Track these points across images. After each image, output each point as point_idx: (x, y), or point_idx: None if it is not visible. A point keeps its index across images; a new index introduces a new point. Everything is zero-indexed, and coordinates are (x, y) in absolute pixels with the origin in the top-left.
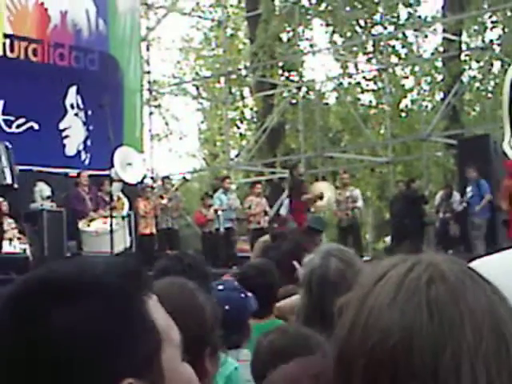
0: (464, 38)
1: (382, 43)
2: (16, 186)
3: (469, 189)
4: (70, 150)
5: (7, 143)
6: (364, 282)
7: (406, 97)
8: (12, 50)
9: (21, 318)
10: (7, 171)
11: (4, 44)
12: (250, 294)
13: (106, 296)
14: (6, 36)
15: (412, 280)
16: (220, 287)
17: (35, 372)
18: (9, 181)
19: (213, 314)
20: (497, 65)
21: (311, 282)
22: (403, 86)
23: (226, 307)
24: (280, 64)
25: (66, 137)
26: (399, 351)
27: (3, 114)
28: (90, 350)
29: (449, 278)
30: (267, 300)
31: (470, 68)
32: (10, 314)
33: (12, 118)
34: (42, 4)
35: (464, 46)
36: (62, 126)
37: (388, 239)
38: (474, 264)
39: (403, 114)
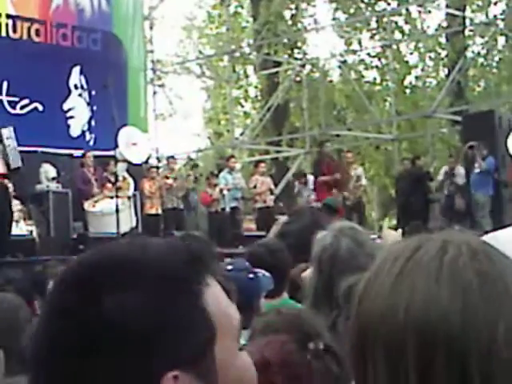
0: (468, 13)
1: (385, 19)
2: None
3: (476, 165)
4: (75, 131)
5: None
6: (393, 258)
7: (410, 73)
8: (15, 31)
9: (75, 301)
10: (17, 154)
11: (7, 25)
12: (262, 274)
13: (162, 283)
14: (8, 16)
15: (452, 259)
16: (229, 267)
17: (87, 353)
18: (18, 164)
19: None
20: (501, 40)
21: (321, 260)
22: (407, 62)
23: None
24: (284, 41)
25: (71, 117)
26: (456, 329)
27: (7, 95)
28: (137, 337)
29: (487, 254)
30: (277, 279)
31: (474, 43)
32: (67, 295)
33: (16, 99)
34: None
35: (468, 22)
36: (65, 106)
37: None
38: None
39: (408, 91)
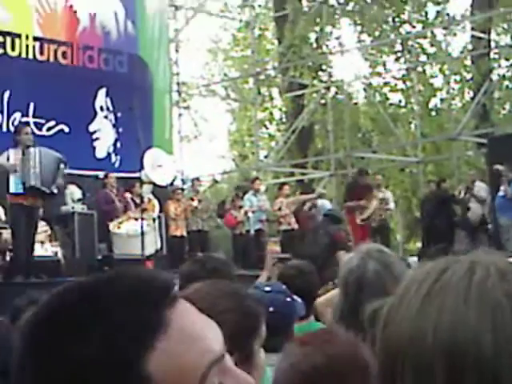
0: (493, 35)
1: (410, 42)
2: (47, 191)
3: (502, 188)
4: (100, 153)
5: (52, 150)
6: (421, 279)
7: (435, 96)
8: (42, 53)
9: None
10: (36, 173)
11: (34, 47)
12: (297, 299)
13: (115, 325)
14: (35, 39)
15: (481, 280)
16: (267, 288)
17: None
18: (33, 183)
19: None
20: None
21: (348, 283)
22: (432, 84)
23: (271, 309)
24: (308, 64)
25: (96, 139)
26: (486, 350)
27: (34, 116)
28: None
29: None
30: (306, 301)
31: (499, 66)
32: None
33: (42, 121)
34: (71, 7)
35: (493, 44)
36: (91, 128)
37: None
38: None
39: (433, 113)
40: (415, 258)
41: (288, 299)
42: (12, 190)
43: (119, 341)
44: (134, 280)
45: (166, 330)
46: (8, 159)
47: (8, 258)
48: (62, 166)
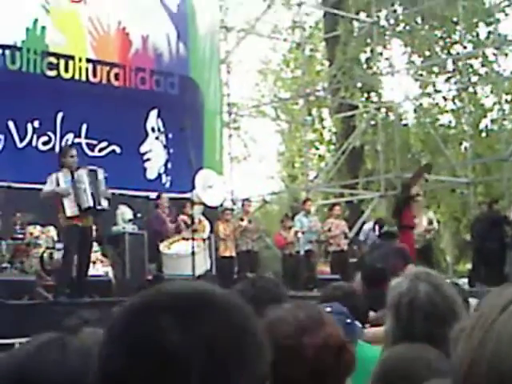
0: None
1: (461, 62)
2: (99, 207)
3: None
4: (151, 173)
5: (98, 168)
6: (487, 310)
7: (485, 116)
8: (95, 75)
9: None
10: (88, 194)
11: (87, 69)
12: (356, 322)
13: (230, 314)
14: (88, 61)
15: None
16: (328, 309)
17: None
18: (89, 204)
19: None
20: None
21: (400, 305)
22: (483, 105)
23: None
24: (359, 85)
25: (147, 160)
26: None
27: (86, 137)
28: (215, 366)
29: None
30: None
31: None
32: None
33: (95, 142)
34: (124, 29)
35: None
36: (143, 149)
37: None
38: None
39: (483, 134)
40: (465, 280)
41: (349, 320)
42: (68, 214)
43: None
44: None
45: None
46: (58, 183)
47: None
48: (100, 176)
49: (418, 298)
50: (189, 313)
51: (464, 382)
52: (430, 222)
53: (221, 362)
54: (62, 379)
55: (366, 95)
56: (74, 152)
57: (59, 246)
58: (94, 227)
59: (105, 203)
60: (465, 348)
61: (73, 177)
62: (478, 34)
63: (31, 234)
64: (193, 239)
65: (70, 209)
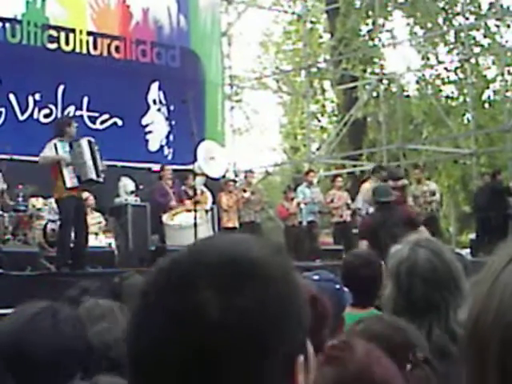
0: None
1: (463, 34)
2: (101, 180)
3: None
4: (153, 146)
5: (91, 138)
6: (496, 262)
7: (488, 87)
8: (95, 48)
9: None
10: (90, 166)
11: (87, 42)
12: (345, 289)
13: (273, 277)
14: (89, 34)
15: None
16: (315, 277)
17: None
18: (90, 176)
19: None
20: None
21: (400, 273)
22: (485, 76)
23: None
24: (360, 56)
25: (149, 132)
26: None
27: (88, 110)
28: (267, 330)
29: None
30: (370, 291)
31: None
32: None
33: (96, 115)
34: (124, 1)
35: None
36: (144, 121)
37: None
38: None
39: (486, 105)
40: (468, 250)
41: (337, 286)
42: (68, 184)
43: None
44: None
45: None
46: (56, 151)
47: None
48: (97, 148)
49: (418, 264)
50: (228, 286)
51: (472, 331)
52: (433, 194)
53: (260, 338)
54: (54, 345)
55: (367, 67)
56: (74, 122)
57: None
58: (92, 197)
59: (102, 176)
60: (474, 298)
61: (71, 147)
62: (479, 5)
63: (34, 205)
64: (195, 210)
65: (70, 179)
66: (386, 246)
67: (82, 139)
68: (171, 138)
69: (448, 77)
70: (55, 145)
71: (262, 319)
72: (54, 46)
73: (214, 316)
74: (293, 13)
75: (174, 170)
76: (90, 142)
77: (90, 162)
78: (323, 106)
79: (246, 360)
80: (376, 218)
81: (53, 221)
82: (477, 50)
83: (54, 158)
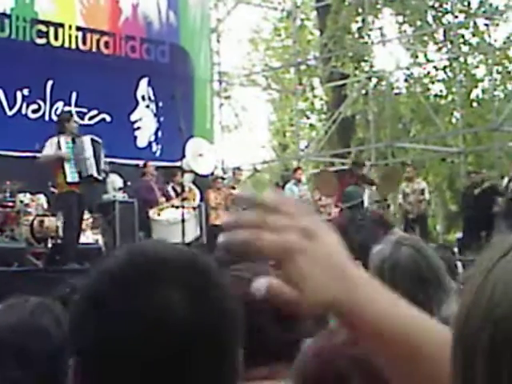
0: None
1: (452, 32)
2: (100, 177)
3: None
4: (142, 142)
5: (96, 137)
6: (488, 257)
7: (476, 86)
8: (84, 43)
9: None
10: (91, 162)
11: (76, 37)
12: None
13: (222, 277)
14: (78, 29)
15: None
16: None
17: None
18: (91, 172)
19: None
20: None
21: (383, 270)
22: (474, 75)
23: None
24: (350, 54)
25: (138, 128)
26: None
27: (76, 106)
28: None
29: None
30: None
31: None
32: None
33: (85, 110)
34: None
35: None
36: (133, 117)
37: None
38: None
39: (474, 104)
40: (455, 249)
41: None
42: (69, 179)
43: None
44: None
45: None
46: (59, 147)
47: (50, 245)
48: (101, 147)
49: (401, 262)
50: (192, 285)
51: (464, 325)
52: (422, 192)
53: (221, 337)
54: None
55: (357, 64)
56: (76, 119)
57: (48, 212)
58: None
59: (102, 175)
60: (464, 294)
61: (74, 142)
62: (469, 4)
63: (21, 201)
64: (182, 207)
65: (71, 174)
66: (355, 243)
67: (85, 136)
68: (160, 134)
69: (437, 75)
70: (58, 141)
71: (222, 319)
72: (42, 41)
73: (180, 314)
74: (282, 10)
75: (163, 167)
76: (93, 140)
77: (91, 159)
78: (312, 103)
79: (209, 359)
80: (346, 215)
81: (41, 215)
82: (466, 48)
83: (55, 155)
